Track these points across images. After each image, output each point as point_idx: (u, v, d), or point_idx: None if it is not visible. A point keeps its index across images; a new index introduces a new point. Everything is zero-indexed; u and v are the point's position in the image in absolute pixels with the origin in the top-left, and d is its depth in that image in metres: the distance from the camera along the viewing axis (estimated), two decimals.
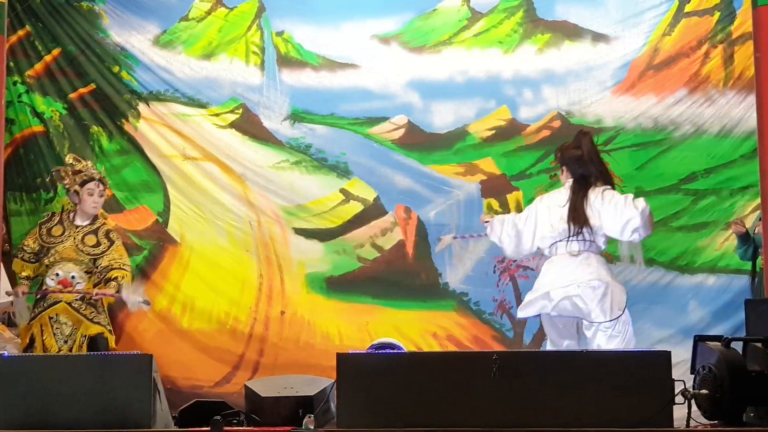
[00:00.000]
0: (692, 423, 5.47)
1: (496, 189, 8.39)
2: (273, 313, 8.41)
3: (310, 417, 5.50)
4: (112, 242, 7.53)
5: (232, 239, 8.50)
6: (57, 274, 7.33)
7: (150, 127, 8.56)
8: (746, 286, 7.90)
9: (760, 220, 7.64)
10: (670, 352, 5.44)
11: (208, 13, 8.66)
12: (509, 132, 8.44)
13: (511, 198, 8.36)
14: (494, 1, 8.57)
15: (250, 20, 8.66)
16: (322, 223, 8.52)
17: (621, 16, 8.46)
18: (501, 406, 5.27)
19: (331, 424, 5.81)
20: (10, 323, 7.91)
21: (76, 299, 7.33)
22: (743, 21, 8.16)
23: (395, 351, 6.70)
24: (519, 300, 7.97)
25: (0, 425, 5.42)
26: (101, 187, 7.57)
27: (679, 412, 5.38)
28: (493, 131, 8.47)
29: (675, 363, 5.43)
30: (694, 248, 8.21)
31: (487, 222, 7.15)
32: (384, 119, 8.55)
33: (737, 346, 5.65)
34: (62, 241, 7.42)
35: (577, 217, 6.73)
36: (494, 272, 8.31)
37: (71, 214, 7.57)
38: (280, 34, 8.67)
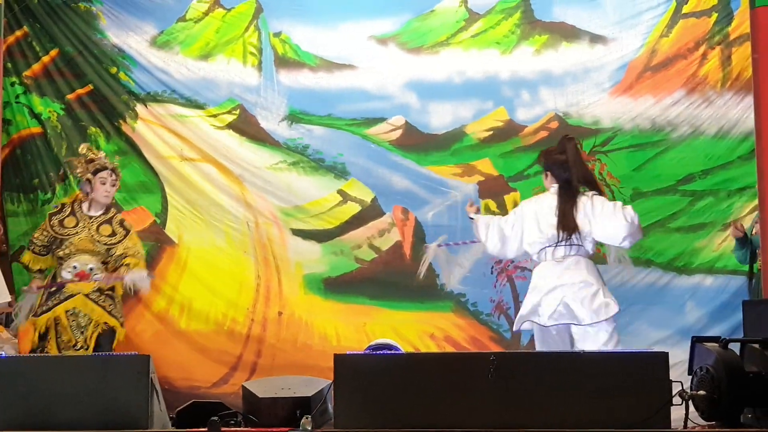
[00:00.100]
0: (690, 424, 5.46)
1: (494, 190, 8.40)
2: (270, 314, 8.41)
3: (307, 418, 5.49)
4: (127, 231, 7.50)
5: (229, 240, 8.50)
6: (74, 267, 7.27)
7: (147, 128, 8.55)
8: (744, 287, 7.91)
9: (757, 221, 7.66)
10: (667, 353, 5.43)
11: (206, 13, 8.66)
12: (507, 133, 8.45)
13: (509, 199, 8.36)
14: (492, 2, 8.57)
15: (247, 21, 8.66)
16: (319, 224, 8.51)
17: (618, 17, 8.46)
18: (498, 406, 5.26)
19: (329, 425, 5.81)
20: (8, 324, 7.91)
21: (94, 290, 7.29)
22: (741, 22, 8.17)
23: (392, 352, 6.68)
24: (516, 301, 7.99)
25: None
26: (114, 176, 7.49)
27: (677, 413, 5.37)
28: (491, 132, 8.48)
29: (672, 364, 5.42)
30: (692, 249, 8.21)
31: (471, 218, 7.15)
32: (381, 120, 8.55)
33: (735, 347, 5.64)
34: (77, 232, 7.35)
35: (567, 224, 6.73)
36: (492, 273, 8.31)
37: (83, 205, 7.50)
38: (277, 34, 8.67)
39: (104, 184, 7.44)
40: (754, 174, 7.75)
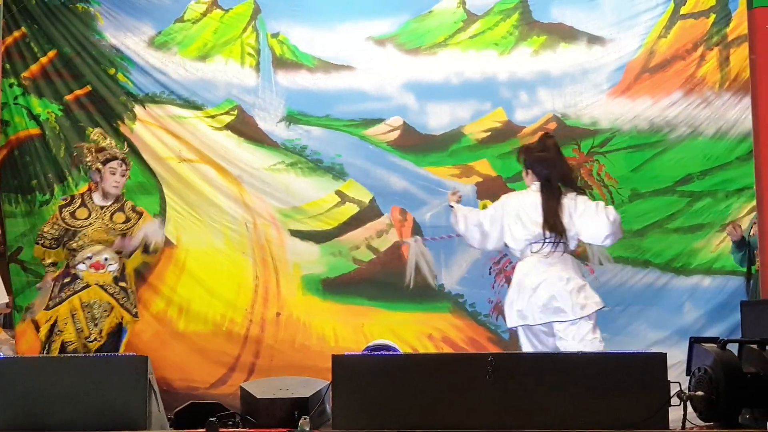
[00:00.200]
0: (688, 425, 5.46)
1: (492, 191, 8.38)
2: (269, 314, 8.41)
3: (305, 419, 5.49)
4: (140, 214, 7.48)
5: (228, 241, 8.50)
6: (88, 257, 7.23)
7: (146, 129, 8.55)
8: (742, 288, 7.91)
9: (755, 222, 7.67)
10: (665, 353, 5.44)
11: (204, 14, 8.66)
12: (505, 134, 8.45)
13: None
14: (490, 3, 8.57)
15: (245, 22, 8.66)
16: (317, 225, 8.51)
17: (616, 18, 8.47)
18: (496, 407, 5.26)
19: (327, 426, 5.81)
20: (6, 324, 7.91)
21: (108, 281, 7.25)
22: (739, 23, 8.17)
23: (391, 353, 6.69)
24: None
25: None
26: (123, 166, 7.45)
27: (675, 414, 5.37)
28: (489, 133, 8.48)
29: (670, 365, 5.43)
30: (690, 250, 8.22)
31: (451, 207, 7.14)
32: (379, 121, 8.55)
33: (733, 347, 5.65)
34: (90, 223, 7.30)
35: (555, 225, 6.74)
36: (489, 274, 8.31)
37: (93, 195, 7.46)
38: (275, 35, 8.66)
39: (114, 174, 7.40)
40: (752, 175, 7.78)
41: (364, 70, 8.58)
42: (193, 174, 8.50)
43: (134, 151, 8.49)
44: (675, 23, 8.38)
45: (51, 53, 8.53)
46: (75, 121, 8.50)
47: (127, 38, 8.59)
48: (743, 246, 7.74)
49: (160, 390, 5.77)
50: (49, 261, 7.42)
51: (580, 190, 6.97)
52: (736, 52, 8.23)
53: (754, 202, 7.85)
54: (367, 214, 8.48)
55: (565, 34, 8.52)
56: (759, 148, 7.68)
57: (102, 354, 6.89)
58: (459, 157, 8.49)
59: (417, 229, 8.43)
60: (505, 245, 7.04)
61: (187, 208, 8.45)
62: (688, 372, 5.66)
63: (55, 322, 7.21)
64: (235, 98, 8.59)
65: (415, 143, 8.52)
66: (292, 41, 8.65)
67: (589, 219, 6.78)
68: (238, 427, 6.00)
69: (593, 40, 8.47)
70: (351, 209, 8.49)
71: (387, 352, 6.65)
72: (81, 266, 7.24)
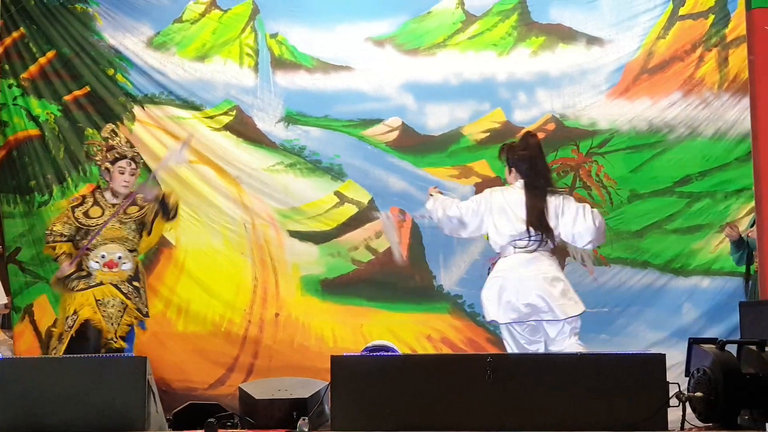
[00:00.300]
0: (687, 426, 5.47)
1: None
2: (267, 315, 8.40)
3: (304, 419, 5.50)
4: (154, 199, 7.40)
5: (226, 242, 8.50)
6: (102, 256, 7.15)
7: (145, 129, 8.54)
8: (741, 289, 7.91)
9: (754, 224, 7.67)
10: (664, 354, 5.44)
11: (202, 15, 8.65)
12: (503, 134, 8.42)
13: None
14: (488, 4, 8.56)
15: (244, 22, 8.65)
16: (316, 225, 8.51)
17: (615, 19, 8.46)
18: (495, 408, 5.27)
19: (325, 427, 5.82)
20: (4, 325, 7.91)
21: (122, 281, 7.19)
22: (737, 24, 8.16)
23: (389, 353, 6.69)
24: None
25: None
26: (133, 165, 7.35)
27: (674, 415, 5.37)
28: (488, 134, 8.47)
29: (669, 365, 5.43)
30: (689, 251, 8.21)
31: (431, 195, 7.13)
32: (378, 121, 8.55)
33: (732, 348, 5.65)
34: (105, 221, 7.21)
35: (542, 224, 6.73)
36: (488, 274, 8.29)
37: (105, 194, 7.38)
38: (274, 36, 8.66)
39: (123, 173, 7.30)
40: (751, 176, 7.78)
41: (363, 71, 8.57)
42: (191, 174, 8.49)
43: None
44: (674, 24, 8.38)
45: (50, 54, 8.52)
46: (74, 122, 8.49)
47: (126, 39, 8.59)
48: (741, 245, 7.75)
49: (158, 390, 5.78)
50: (61, 251, 7.24)
51: (557, 192, 6.96)
52: (735, 53, 8.22)
53: (752, 203, 7.85)
54: (366, 214, 8.48)
55: (563, 34, 8.51)
56: (758, 149, 7.68)
57: (101, 354, 6.88)
58: (458, 158, 8.49)
59: (415, 230, 8.42)
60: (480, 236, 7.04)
61: (186, 209, 8.41)
62: (687, 373, 5.66)
63: (74, 312, 7.13)
64: (234, 99, 8.59)
65: (413, 144, 8.52)
66: (291, 41, 8.64)
67: (574, 221, 6.77)
68: (236, 428, 6.00)
69: (592, 40, 8.47)
70: (350, 210, 8.48)
71: (386, 353, 6.65)
72: (94, 264, 7.17)
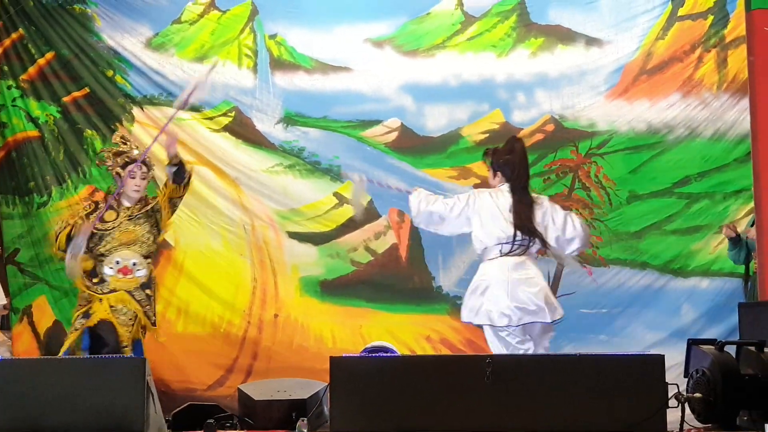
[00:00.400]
0: (685, 426, 5.47)
1: None
2: (267, 316, 8.40)
3: (303, 420, 5.50)
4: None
5: (226, 243, 8.50)
6: (116, 262, 7.03)
7: (144, 131, 8.52)
8: (739, 290, 7.92)
9: (753, 224, 7.68)
10: (663, 355, 5.44)
11: (201, 15, 8.65)
12: (502, 135, 8.37)
13: None
14: (488, 5, 8.56)
15: (243, 23, 8.65)
16: (315, 226, 8.51)
17: (614, 20, 8.46)
18: (494, 409, 5.27)
19: (324, 428, 5.82)
20: (2, 326, 7.91)
21: (135, 287, 7.08)
22: (736, 24, 8.16)
23: (388, 354, 6.69)
24: None
25: None
26: (144, 169, 7.20)
27: (673, 416, 5.37)
28: (487, 135, 8.47)
29: (668, 366, 5.43)
30: (688, 251, 8.21)
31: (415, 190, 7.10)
32: (377, 122, 8.55)
33: (731, 349, 5.65)
34: (120, 223, 7.09)
35: (526, 227, 6.70)
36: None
37: (118, 198, 7.22)
38: (273, 37, 8.66)
39: (133, 178, 7.14)
40: (750, 176, 7.78)
41: (362, 72, 8.57)
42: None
43: None
44: (673, 25, 8.38)
45: (49, 55, 8.52)
46: (73, 123, 8.50)
47: (125, 40, 8.58)
48: (738, 243, 7.76)
49: (158, 392, 5.77)
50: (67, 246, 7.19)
51: (539, 198, 6.94)
52: (734, 54, 8.22)
53: (751, 204, 7.85)
54: (365, 216, 8.47)
55: (562, 35, 8.51)
56: (757, 149, 7.69)
57: (100, 355, 6.86)
58: (457, 159, 8.49)
59: (414, 231, 8.42)
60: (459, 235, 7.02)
61: (186, 210, 8.40)
62: (686, 374, 5.67)
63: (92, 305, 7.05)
64: (233, 99, 8.58)
65: (413, 145, 8.52)
66: (290, 42, 8.64)
67: (564, 228, 6.73)
68: (235, 429, 6.01)
69: (591, 41, 8.47)
70: (349, 211, 8.47)
71: (385, 354, 6.65)
72: (108, 271, 7.09)
